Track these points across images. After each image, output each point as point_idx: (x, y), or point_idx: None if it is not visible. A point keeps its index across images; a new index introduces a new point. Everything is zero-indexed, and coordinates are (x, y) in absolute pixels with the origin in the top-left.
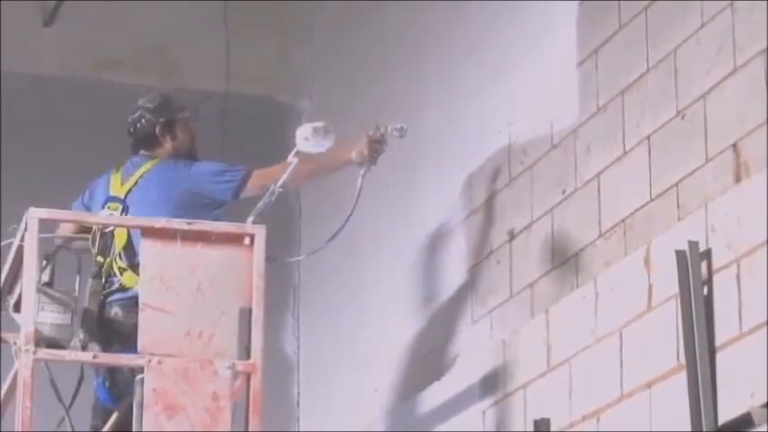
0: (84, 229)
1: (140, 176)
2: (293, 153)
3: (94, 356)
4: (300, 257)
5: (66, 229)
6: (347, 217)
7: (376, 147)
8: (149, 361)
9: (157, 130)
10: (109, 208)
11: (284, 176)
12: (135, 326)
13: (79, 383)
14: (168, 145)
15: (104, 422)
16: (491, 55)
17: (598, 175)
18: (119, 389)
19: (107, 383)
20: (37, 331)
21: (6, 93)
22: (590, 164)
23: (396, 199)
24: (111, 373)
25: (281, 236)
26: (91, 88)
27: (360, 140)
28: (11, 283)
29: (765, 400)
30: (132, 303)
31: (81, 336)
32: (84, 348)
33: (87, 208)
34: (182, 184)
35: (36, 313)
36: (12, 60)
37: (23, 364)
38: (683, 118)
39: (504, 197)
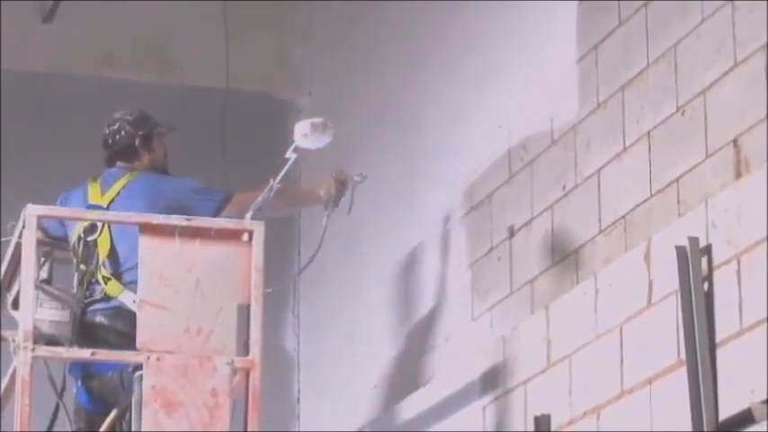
0: (57, 237)
1: (122, 187)
2: (292, 149)
3: (93, 353)
4: (269, 290)
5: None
6: (313, 255)
7: (340, 188)
8: (148, 358)
9: (137, 142)
10: None
11: (281, 174)
12: (119, 335)
13: (62, 391)
14: (146, 158)
15: (87, 423)
16: (491, 51)
17: (598, 171)
18: (98, 393)
19: (84, 386)
20: (35, 328)
21: (6, 90)
22: (590, 160)
23: (395, 196)
24: (88, 380)
25: (281, 234)
26: (90, 85)
27: (327, 180)
28: (9, 280)
29: (766, 397)
30: (116, 313)
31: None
32: None
33: (60, 221)
34: (169, 194)
35: (35, 310)
36: (11, 58)
37: (22, 361)
38: (683, 114)
39: (503, 193)
